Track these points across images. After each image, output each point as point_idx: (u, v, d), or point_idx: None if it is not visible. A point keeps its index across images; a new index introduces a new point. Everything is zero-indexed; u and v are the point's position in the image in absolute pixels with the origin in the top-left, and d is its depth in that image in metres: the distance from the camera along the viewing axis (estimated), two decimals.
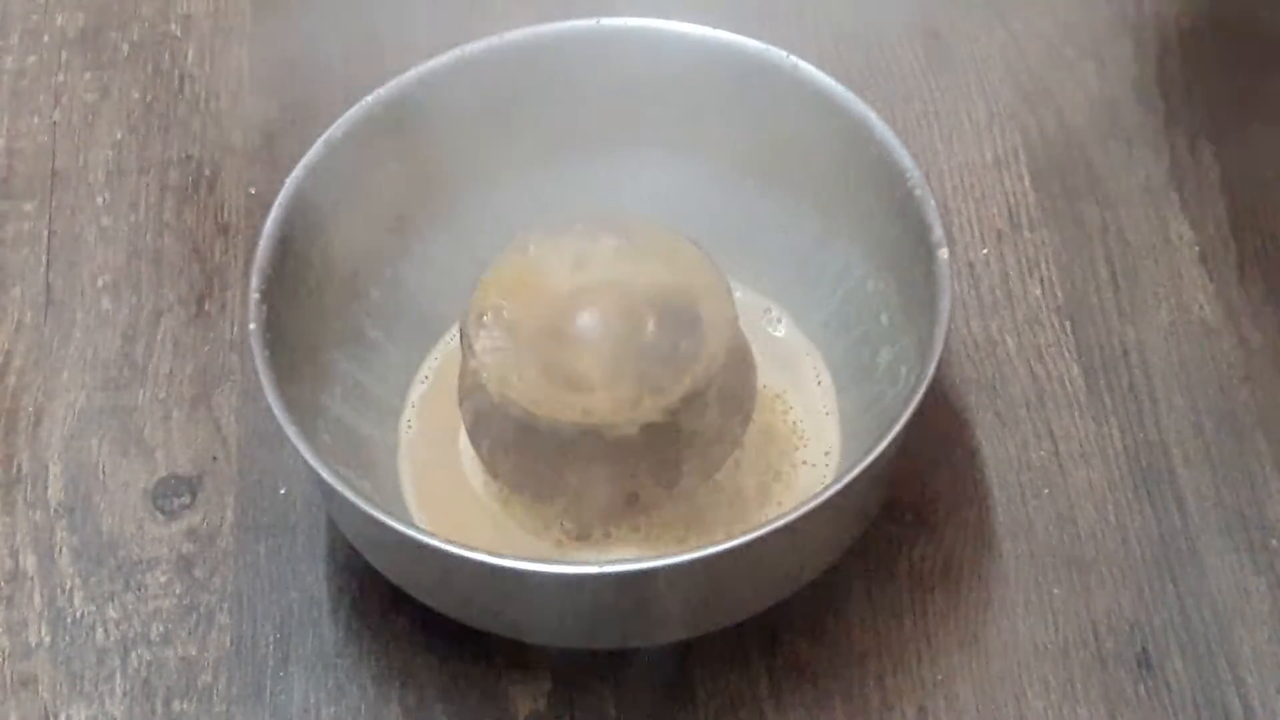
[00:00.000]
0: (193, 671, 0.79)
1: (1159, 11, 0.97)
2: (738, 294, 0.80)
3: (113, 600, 0.81)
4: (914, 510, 0.81)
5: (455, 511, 0.81)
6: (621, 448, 0.76)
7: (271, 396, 0.75)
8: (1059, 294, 0.87)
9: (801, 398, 0.83)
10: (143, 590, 0.81)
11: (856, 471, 0.72)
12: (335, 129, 0.82)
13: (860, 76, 0.94)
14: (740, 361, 0.79)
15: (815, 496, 0.72)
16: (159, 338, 0.88)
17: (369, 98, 0.83)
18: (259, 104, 0.96)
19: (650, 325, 0.78)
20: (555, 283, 0.79)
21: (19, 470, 0.84)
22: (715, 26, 0.84)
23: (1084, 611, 0.79)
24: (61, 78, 0.98)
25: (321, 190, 0.81)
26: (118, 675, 0.79)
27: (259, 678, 0.79)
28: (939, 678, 0.77)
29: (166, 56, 0.98)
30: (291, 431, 0.74)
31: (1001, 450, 0.83)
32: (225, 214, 0.92)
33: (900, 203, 0.79)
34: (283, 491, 0.83)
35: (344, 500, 0.73)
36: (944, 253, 0.77)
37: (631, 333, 0.77)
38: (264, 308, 0.77)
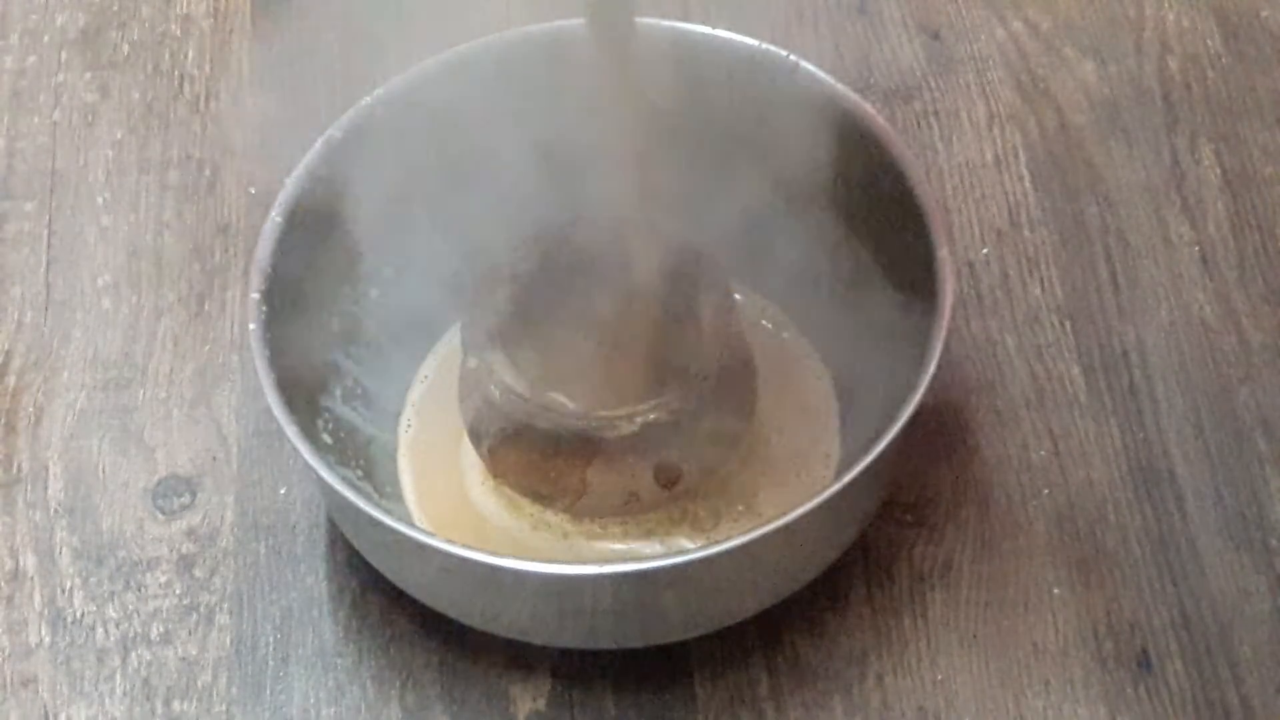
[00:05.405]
0: (193, 671, 0.79)
1: (1159, 12, 0.97)
2: (738, 294, 0.80)
3: (113, 600, 0.81)
4: (914, 510, 0.81)
5: (455, 511, 0.81)
6: (621, 448, 0.76)
7: (271, 396, 0.75)
8: (1059, 294, 0.87)
9: (801, 398, 0.83)
10: (143, 590, 0.81)
11: (856, 471, 0.72)
12: (335, 129, 0.82)
13: (860, 76, 0.94)
14: (740, 362, 0.79)
15: (815, 496, 0.72)
16: (159, 338, 0.88)
17: (369, 98, 0.83)
18: (259, 104, 0.96)
19: (650, 326, 0.78)
20: (555, 284, 0.79)
21: (19, 470, 0.84)
22: (715, 26, 0.84)
23: (1084, 611, 0.79)
24: (61, 78, 0.98)
25: (321, 190, 0.81)
26: (118, 675, 0.79)
27: (259, 678, 0.79)
28: (939, 678, 0.77)
29: (166, 56, 0.98)
30: (291, 431, 0.74)
31: (1001, 450, 0.83)
32: (225, 214, 0.92)
33: (900, 203, 0.79)
34: (283, 491, 0.83)
35: (344, 500, 0.73)
36: (944, 253, 0.77)
37: (632, 333, 0.78)
38: (264, 308, 0.77)
